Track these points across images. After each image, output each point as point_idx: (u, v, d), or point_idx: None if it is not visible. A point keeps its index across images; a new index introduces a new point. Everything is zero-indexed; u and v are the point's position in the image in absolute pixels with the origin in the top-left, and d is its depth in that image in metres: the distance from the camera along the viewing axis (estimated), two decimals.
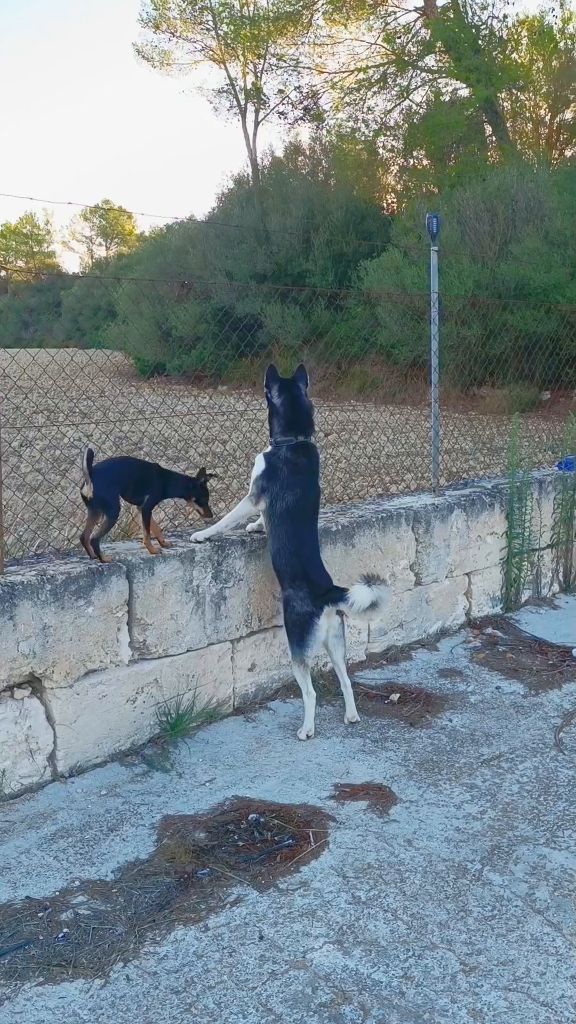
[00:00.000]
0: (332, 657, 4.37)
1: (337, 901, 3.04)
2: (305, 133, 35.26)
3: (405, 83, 24.12)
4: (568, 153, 24.98)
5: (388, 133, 24.37)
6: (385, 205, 25.98)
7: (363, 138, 25.56)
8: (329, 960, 2.76)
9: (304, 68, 28.78)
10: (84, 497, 3.95)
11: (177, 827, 3.47)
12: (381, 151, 25.41)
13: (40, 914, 2.96)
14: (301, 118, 29.21)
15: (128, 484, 4.11)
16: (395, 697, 4.61)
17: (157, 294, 25.86)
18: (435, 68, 23.95)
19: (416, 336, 20.00)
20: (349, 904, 3.03)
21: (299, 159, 26.79)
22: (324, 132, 28.04)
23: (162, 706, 4.14)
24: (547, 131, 25.14)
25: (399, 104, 24.01)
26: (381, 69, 24.41)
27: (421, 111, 23.63)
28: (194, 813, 3.57)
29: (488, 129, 24.43)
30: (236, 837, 3.40)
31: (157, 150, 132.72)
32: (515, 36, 23.19)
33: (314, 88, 29.08)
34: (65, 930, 2.88)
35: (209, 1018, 2.53)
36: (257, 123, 31.82)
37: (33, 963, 2.74)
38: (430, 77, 23.75)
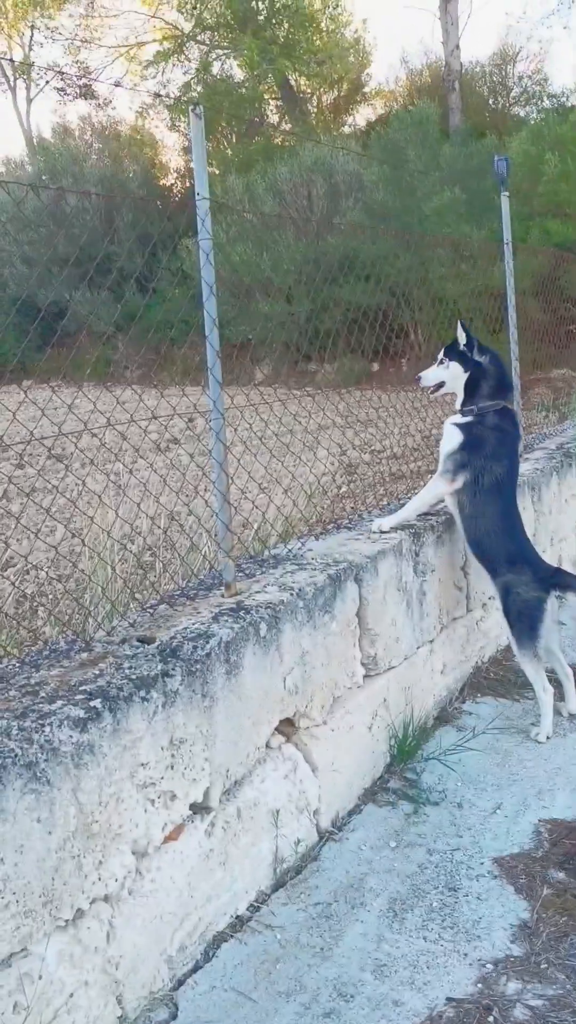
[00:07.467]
0: (548, 644, 3.86)
1: None
2: (81, 111, 33.56)
3: (203, 56, 23.37)
4: (346, 130, 25.28)
5: (186, 106, 23.44)
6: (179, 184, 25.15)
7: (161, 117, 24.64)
8: None
9: (81, 41, 27.15)
10: None
11: (520, 870, 2.87)
12: (173, 129, 24.55)
13: (489, 1019, 2.30)
14: (81, 95, 27.54)
15: None
16: None
17: None
18: (226, 44, 23.37)
19: (245, 314, 19.54)
20: None
21: (69, 141, 25.23)
22: (101, 110, 26.81)
23: (390, 728, 3.48)
24: (327, 107, 25.34)
25: (198, 77, 23.20)
26: (178, 41, 23.50)
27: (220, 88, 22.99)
28: (521, 850, 2.98)
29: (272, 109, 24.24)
30: None
31: None
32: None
33: (82, 63, 27.56)
34: None
35: None
36: (30, 100, 29.79)
37: None
38: (228, 50, 23.11)
